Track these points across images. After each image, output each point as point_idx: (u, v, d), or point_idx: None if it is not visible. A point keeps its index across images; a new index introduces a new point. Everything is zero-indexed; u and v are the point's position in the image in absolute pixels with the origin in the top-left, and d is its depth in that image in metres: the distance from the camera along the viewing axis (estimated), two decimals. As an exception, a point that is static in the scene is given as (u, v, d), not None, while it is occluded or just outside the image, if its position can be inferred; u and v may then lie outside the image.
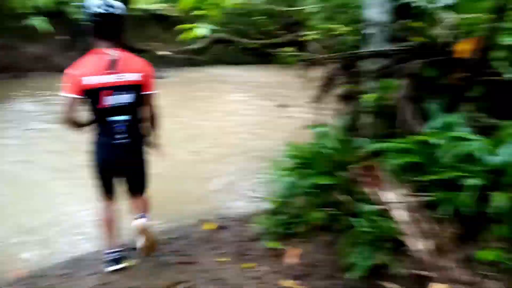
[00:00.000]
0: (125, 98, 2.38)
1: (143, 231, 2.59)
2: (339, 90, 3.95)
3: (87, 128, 2.48)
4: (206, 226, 3.32)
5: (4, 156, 4.78)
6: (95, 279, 2.61)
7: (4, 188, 4.00)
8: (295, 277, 2.47)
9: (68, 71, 2.32)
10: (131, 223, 2.60)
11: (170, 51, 12.11)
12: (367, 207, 2.38)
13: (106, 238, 2.72)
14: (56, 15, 8.40)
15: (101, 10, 2.28)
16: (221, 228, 3.31)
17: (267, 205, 3.12)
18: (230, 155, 5.10)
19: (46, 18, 5.75)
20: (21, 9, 5.63)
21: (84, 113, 2.41)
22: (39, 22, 5.47)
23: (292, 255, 2.66)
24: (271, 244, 2.79)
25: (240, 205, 3.85)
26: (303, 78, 4.16)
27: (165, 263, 2.77)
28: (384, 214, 2.31)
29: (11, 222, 3.42)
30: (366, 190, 2.47)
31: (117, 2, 2.36)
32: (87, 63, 2.34)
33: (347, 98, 3.70)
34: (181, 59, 12.26)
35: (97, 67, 2.31)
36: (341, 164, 2.70)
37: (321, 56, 4.15)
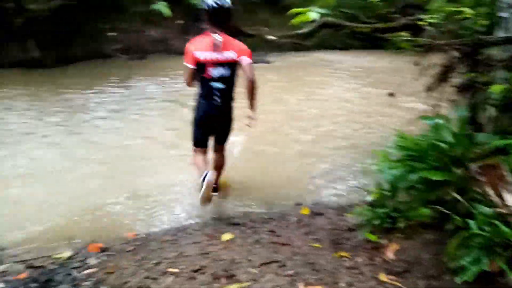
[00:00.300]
0: (223, 71, 3.08)
1: (208, 183, 3.06)
2: (459, 79, 3.60)
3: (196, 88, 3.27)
4: (302, 211, 3.32)
5: (127, 132, 5.27)
6: (197, 248, 2.76)
7: (125, 161, 4.42)
8: (394, 273, 2.34)
9: (187, 45, 3.13)
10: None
11: (277, 36, 12.23)
12: (485, 209, 2.14)
13: (199, 173, 3.29)
14: (174, 1, 9.00)
15: (214, 5, 3.02)
16: (317, 214, 3.28)
17: (368, 196, 3.00)
18: (332, 142, 5.01)
19: (167, 3, 6.20)
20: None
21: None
22: (162, 7, 5.94)
23: (392, 250, 2.52)
24: (369, 236, 2.68)
25: (338, 193, 3.77)
26: (417, 65, 3.87)
27: (261, 241, 2.83)
28: (505, 218, 2.06)
29: (127, 190, 3.74)
30: (486, 190, 2.21)
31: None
32: (199, 42, 3.11)
33: (468, 88, 3.34)
34: (288, 43, 12.31)
35: (205, 46, 3.05)
36: (457, 159, 2.46)
37: (440, 41, 3.80)
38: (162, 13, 5.90)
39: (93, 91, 6.92)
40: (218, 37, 3.02)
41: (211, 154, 3.54)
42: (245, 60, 3.05)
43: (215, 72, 3.07)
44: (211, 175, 3.07)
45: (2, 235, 3.04)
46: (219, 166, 3.50)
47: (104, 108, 6.15)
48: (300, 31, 12.25)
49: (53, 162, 4.30)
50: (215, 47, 3.01)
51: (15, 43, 8.37)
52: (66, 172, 4.08)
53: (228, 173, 3.78)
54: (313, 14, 3.36)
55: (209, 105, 3.16)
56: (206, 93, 3.15)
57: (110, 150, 4.66)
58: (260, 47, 11.85)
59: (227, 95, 3.18)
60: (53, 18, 8.27)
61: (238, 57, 3.05)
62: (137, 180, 3.94)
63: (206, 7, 3.06)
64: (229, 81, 3.13)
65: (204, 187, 3.03)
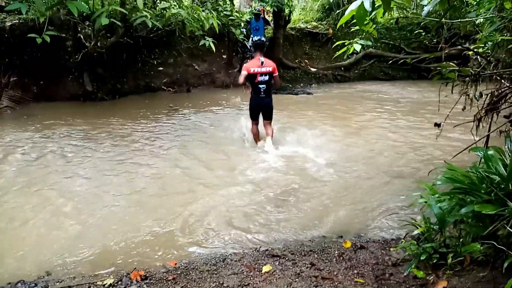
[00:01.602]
0: (265, 77, 5.64)
1: (269, 140, 5.75)
2: (509, 110, 3.44)
3: (247, 89, 5.91)
4: (345, 244, 3.23)
5: (173, 160, 5.43)
6: (236, 279, 2.75)
7: (170, 189, 4.52)
8: (443, 313, 2.21)
9: (245, 64, 5.79)
10: (265, 140, 5.78)
11: (317, 68, 12.33)
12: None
13: (253, 141, 5.99)
14: (219, 38, 9.37)
15: (258, 41, 5.72)
16: (360, 247, 3.18)
17: (414, 230, 2.87)
18: (377, 173, 4.90)
19: (212, 39, 6.48)
20: (198, 32, 6.52)
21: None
22: (209, 43, 6.22)
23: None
24: (416, 272, 2.54)
25: (382, 226, 3.64)
26: (463, 96, 3.74)
27: (301, 274, 2.77)
28: None
29: (170, 218, 3.80)
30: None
31: (263, 37, 6.05)
32: (252, 62, 5.71)
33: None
34: (330, 75, 12.37)
35: (256, 64, 5.61)
36: (510, 192, 2.32)
37: (489, 71, 3.69)
38: (210, 48, 6.22)
39: (141, 121, 7.23)
40: (262, 58, 5.61)
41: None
42: (276, 73, 5.70)
43: (261, 78, 5.61)
44: (269, 140, 5.68)
45: (50, 259, 3.16)
46: (270, 133, 5.83)
47: (151, 136, 6.37)
48: (341, 63, 12.29)
49: (103, 188, 4.47)
50: (261, 64, 5.55)
51: (71, 78, 8.98)
52: (114, 198, 4.23)
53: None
54: (357, 46, 3.40)
55: (257, 97, 5.73)
56: (255, 91, 5.70)
57: (156, 177, 4.79)
58: (301, 79, 11.99)
59: (268, 91, 5.72)
60: (106, 54, 8.81)
61: (272, 70, 5.63)
62: (178, 208, 3.99)
63: (254, 42, 5.71)
64: (268, 83, 5.69)
65: (266, 145, 5.66)
